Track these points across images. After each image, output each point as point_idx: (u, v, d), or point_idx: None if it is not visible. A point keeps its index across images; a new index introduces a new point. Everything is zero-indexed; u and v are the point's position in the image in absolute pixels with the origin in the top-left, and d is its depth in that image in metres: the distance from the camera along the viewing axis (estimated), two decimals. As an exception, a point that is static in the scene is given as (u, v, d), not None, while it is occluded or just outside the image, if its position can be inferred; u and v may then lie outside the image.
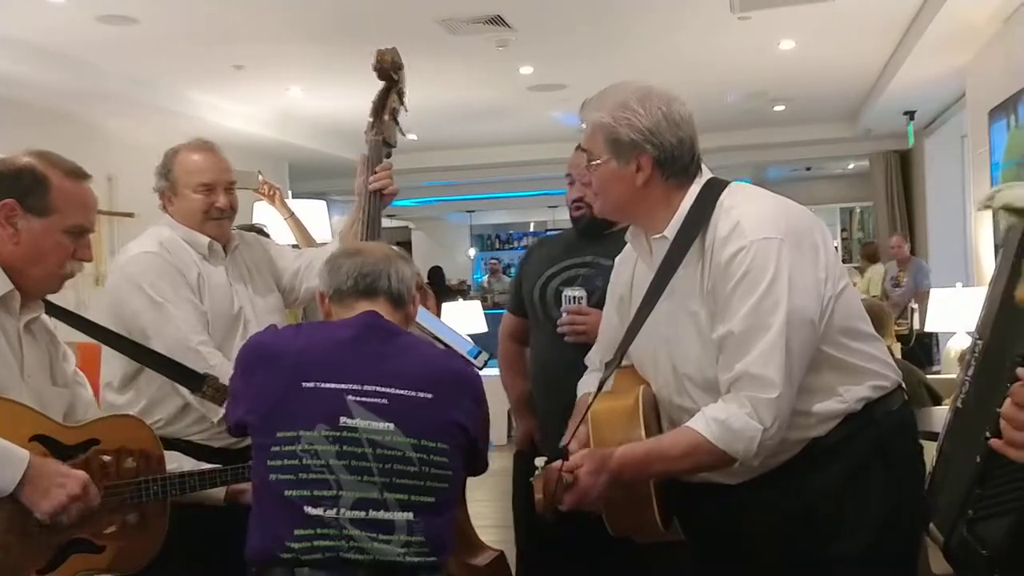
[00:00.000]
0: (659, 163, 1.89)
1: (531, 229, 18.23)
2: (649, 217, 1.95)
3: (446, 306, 7.26)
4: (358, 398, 1.92)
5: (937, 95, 8.31)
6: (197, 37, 6.23)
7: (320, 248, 3.07)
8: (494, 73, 7.66)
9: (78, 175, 2.08)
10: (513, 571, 2.94)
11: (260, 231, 3.61)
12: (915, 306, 7.94)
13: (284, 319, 2.72)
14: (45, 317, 2.18)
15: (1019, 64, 5.57)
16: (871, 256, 10.69)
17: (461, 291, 14.58)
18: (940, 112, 9.22)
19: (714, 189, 1.92)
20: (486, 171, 12.15)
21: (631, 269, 2.10)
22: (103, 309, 2.52)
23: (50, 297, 2.19)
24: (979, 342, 1.60)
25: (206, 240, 2.59)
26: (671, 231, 1.90)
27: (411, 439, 1.92)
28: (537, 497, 1.85)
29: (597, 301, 2.50)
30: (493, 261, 17.28)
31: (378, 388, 1.94)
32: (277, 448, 1.90)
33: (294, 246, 3.58)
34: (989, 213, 3.60)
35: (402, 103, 2.83)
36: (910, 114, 9.18)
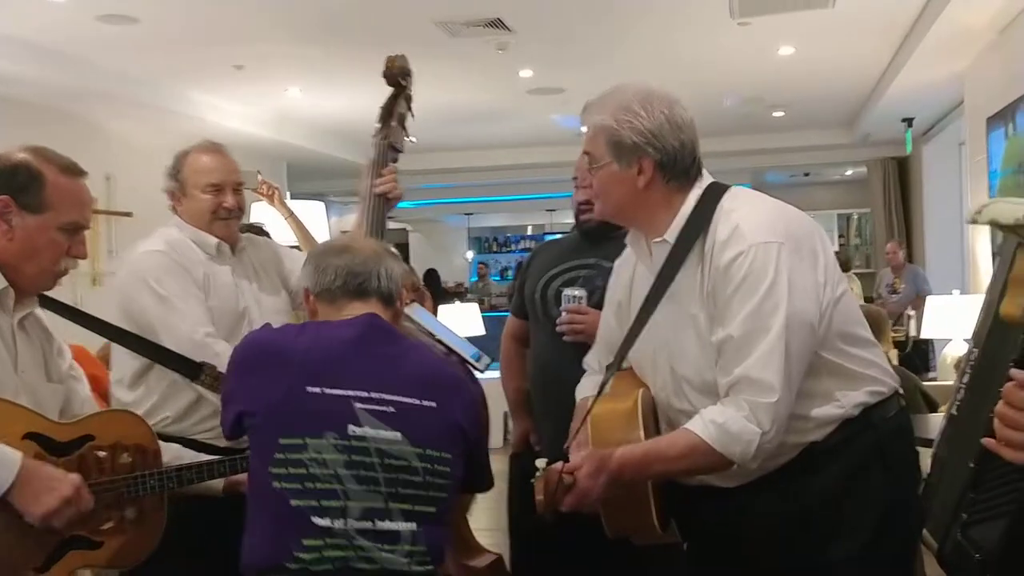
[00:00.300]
0: (661, 166, 1.90)
1: (529, 232, 18.20)
2: (650, 220, 1.95)
3: (442, 308, 7.24)
4: (365, 406, 1.89)
5: (935, 102, 8.31)
6: (197, 37, 6.22)
7: None
8: (493, 76, 7.66)
9: (73, 172, 2.07)
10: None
11: (260, 231, 3.61)
12: (912, 313, 7.95)
13: (291, 320, 2.73)
14: (39, 312, 2.17)
15: (1017, 72, 5.58)
16: (844, 265, 10.68)
17: (458, 293, 14.53)
18: (938, 119, 9.22)
19: (715, 193, 1.93)
20: (485, 174, 12.12)
21: (630, 272, 2.10)
22: (112, 307, 2.54)
23: (50, 297, 2.19)
24: (975, 350, 1.61)
25: (214, 241, 2.61)
26: (672, 235, 1.91)
27: (417, 448, 1.90)
28: (538, 498, 1.86)
29: (597, 301, 2.50)
30: (481, 265, 17.25)
31: (384, 396, 1.91)
32: (281, 455, 1.86)
33: (294, 246, 3.57)
34: (986, 220, 3.59)
35: (410, 109, 2.84)
36: (908, 121, 9.18)
